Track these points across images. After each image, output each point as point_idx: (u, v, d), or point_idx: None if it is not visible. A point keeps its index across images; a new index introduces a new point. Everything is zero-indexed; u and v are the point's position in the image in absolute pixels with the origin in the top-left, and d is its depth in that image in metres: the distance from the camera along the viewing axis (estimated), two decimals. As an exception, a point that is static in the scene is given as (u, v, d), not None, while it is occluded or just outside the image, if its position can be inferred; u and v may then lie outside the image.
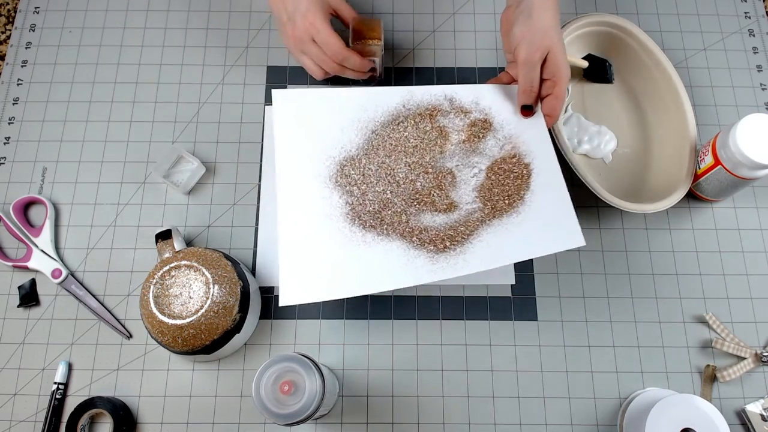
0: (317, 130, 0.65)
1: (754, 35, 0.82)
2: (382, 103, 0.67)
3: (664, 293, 0.70)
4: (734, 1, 0.84)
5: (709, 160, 0.68)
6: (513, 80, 0.69)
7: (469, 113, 0.68)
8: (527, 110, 0.67)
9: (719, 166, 0.67)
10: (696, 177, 0.71)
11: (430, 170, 0.65)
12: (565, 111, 0.77)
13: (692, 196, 0.74)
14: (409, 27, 0.83)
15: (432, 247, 0.62)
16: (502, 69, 0.80)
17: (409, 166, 0.65)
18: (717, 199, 0.73)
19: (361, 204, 0.63)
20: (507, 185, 0.65)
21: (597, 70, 0.78)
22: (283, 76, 0.80)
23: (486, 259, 0.62)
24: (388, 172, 0.65)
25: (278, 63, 0.80)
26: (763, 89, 0.79)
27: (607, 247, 0.72)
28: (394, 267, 0.61)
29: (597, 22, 0.76)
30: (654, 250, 0.72)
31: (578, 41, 0.77)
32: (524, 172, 0.66)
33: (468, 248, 0.62)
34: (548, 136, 0.67)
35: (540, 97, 0.67)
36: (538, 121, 0.67)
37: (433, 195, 0.64)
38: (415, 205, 0.64)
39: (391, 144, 0.66)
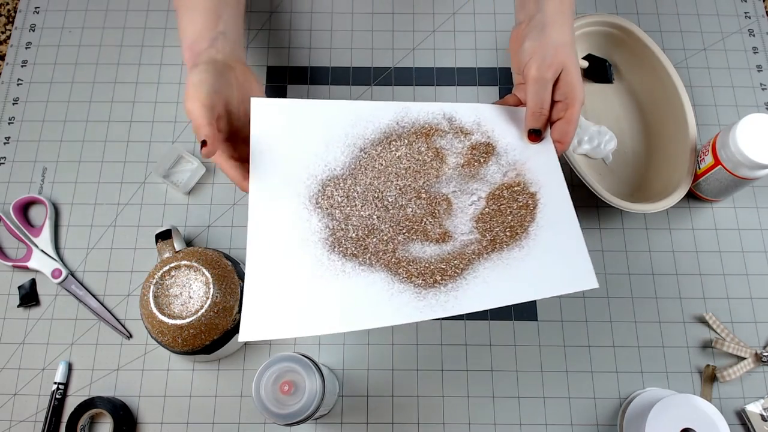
0: (299, 144, 0.59)
1: (754, 35, 0.82)
2: (374, 119, 0.61)
3: (664, 293, 0.70)
4: (734, 1, 0.84)
5: (709, 160, 0.68)
6: (521, 103, 0.64)
7: (470, 135, 0.62)
8: (535, 135, 0.60)
9: (719, 166, 0.67)
10: (696, 177, 0.71)
11: (423, 195, 0.59)
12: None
13: (692, 196, 0.74)
14: (409, 27, 0.83)
15: (420, 281, 0.56)
16: (502, 69, 0.80)
17: (400, 189, 0.59)
18: (717, 199, 0.73)
19: (342, 229, 0.57)
20: (509, 215, 0.59)
21: (597, 70, 0.78)
22: (283, 76, 0.80)
23: (481, 297, 0.55)
24: (376, 196, 0.59)
25: (278, 63, 0.80)
26: (763, 89, 0.79)
27: (607, 247, 0.72)
28: (375, 303, 0.54)
29: (597, 22, 0.76)
30: (654, 250, 0.72)
31: (578, 41, 0.77)
32: (529, 202, 0.60)
33: (461, 284, 0.56)
34: (558, 164, 0.61)
35: (550, 122, 0.61)
36: (547, 147, 0.61)
37: (425, 223, 0.58)
38: (404, 233, 0.58)
39: (381, 164, 0.60)
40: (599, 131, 0.75)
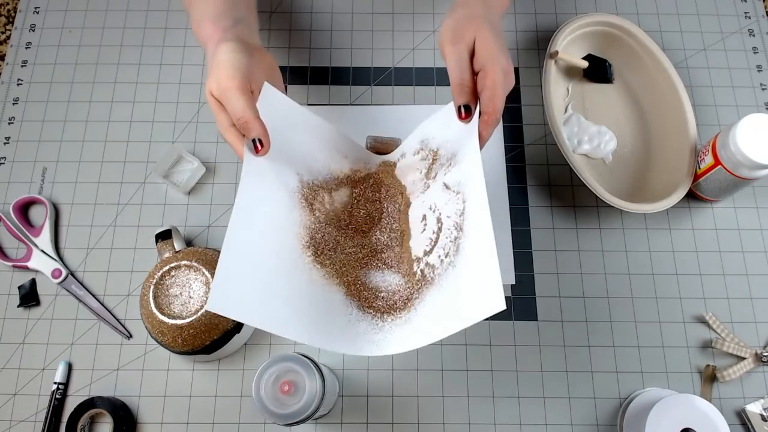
0: (293, 142, 0.60)
1: (754, 35, 0.82)
2: (353, 151, 0.65)
3: (664, 293, 0.70)
4: (734, 1, 0.84)
5: (709, 160, 0.68)
6: None
7: (419, 153, 0.65)
8: (465, 112, 0.56)
9: (719, 166, 0.67)
10: (696, 177, 0.71)
11: (386, 224, 0.63)
12: (565, 111, 0.77)
13: (692, 196, 0.74)
14: (409, 27, 0.83)
15: (378, 309, 0.57)
16: (502, 69, 0.80)
17: (367, 220, 0.64)
18: (717, 199, 0.73)
19: (319, 233, 0.59)
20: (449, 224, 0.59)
21: (597, 70, 0.78)
22: (283, 76, 0.79)
23: (429, 331, 0.52)
24: (347, 218, 0.63)
25: (278, 63, 0.80)
26: (763, 89, 0.79)
27: (607, 247, 0.72)
28: (333, 325, 0.54)
29: (597, 22, 0.76)
30: (654, 250, 0.72)
31: (578, 41, 0.77)
32: (458, 204, 0.58)
33: (413, 315, 0.55)
34: (479, 156, 0.55)
35: (478, 97, 0.56)
36: (471, 134, 0.57)
37: (386, 250, 0.61)
38: (366, 258, 0.61)
39: (352, 195, 0.64)
40: (599, 131, 0.75)
